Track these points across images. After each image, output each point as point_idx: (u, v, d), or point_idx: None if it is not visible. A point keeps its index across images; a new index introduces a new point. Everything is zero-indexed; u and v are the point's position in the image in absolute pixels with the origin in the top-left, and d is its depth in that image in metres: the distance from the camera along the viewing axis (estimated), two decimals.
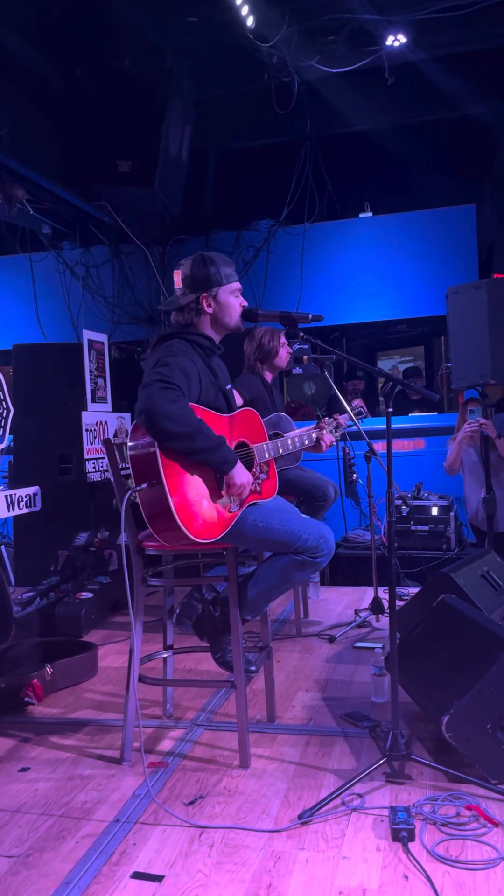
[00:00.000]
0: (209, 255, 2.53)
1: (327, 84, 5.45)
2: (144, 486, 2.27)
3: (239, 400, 3.61)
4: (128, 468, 2.35)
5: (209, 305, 2.50)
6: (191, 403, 2.32)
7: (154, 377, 2.24)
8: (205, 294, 2.49)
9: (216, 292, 2.49)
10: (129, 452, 2.33)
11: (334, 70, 5.14)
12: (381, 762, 2.27)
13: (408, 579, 5.07)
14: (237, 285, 2.54)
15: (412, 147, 6.07)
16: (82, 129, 5.14)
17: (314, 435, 3.16)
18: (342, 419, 3.48)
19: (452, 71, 5.44)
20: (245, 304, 2.56)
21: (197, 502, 2.31)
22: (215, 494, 2.38)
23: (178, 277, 2.55)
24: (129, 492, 2.31)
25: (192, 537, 2.26)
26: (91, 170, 5.15)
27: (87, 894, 1.80)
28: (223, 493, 2.39)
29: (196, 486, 2.32)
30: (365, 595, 4.64)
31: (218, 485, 2.38)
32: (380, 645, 3.61)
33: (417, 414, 6.45)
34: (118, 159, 5.01)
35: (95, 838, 2.03)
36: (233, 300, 2.52)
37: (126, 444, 2.37)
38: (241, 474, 2.37)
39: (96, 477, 5.09)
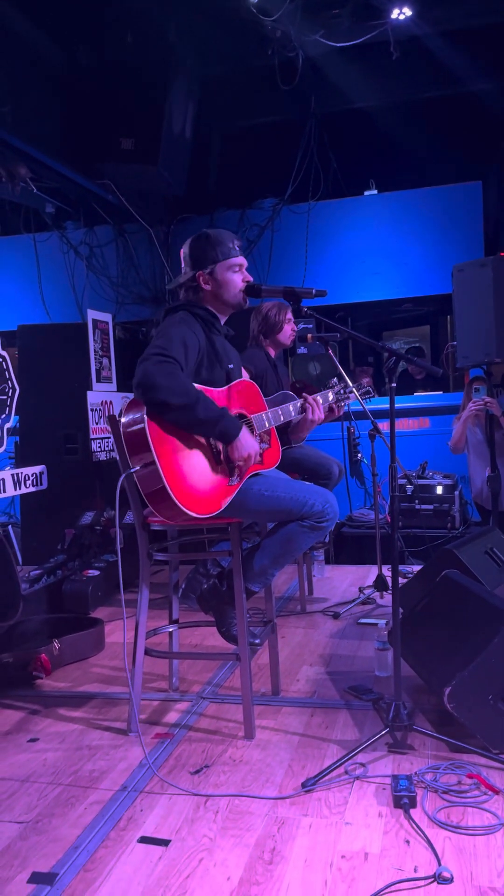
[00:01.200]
0: (209, 232, 2.55)
1: (332, 60, 5.39)
2: (138, 467, 2.28)
3: (245, 375, 3.62)
4: None
5: (206, 283, 2.52)
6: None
7: (152, 351, 2.27)
8: (201, 272, 2.51)
9: (212, 269, 2.50)
10: (122, 430, 2.34)
11: (339, 44, 5.07)
12: (383, 732, 2.30)
13: (412, 558, 5.10)
14: (238, 261, 2.53)
15: (417, 124, 6.00)
16: (85, 107, 5.10)
17: (299, 403, 3.10)
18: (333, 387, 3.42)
19: (458, 46, 5.36)
20: (249, 279, 2.56)
21: (192, 477, 2.32)
22: (214, 467, 2.39)
23: (182, 256, 2.58)
24: (123, 475, 2.33)
25: (191, 513, 2.28)
26: (94, 147, 5.12)
27: (95, 858, 1.84)
28: (224, 464, 2.41)
29: (191, 461, 2.33)
30: (369, 573, 4.67)
31: (215, 458, 2.40)
32: (384, 621, 3.65)
33: (422, 393, 6.45)
34: (121, 137, 4.98)
35: (103, 805, 2.08)
36: (231, 276, 2.52)
37: (119, 421, 2.38)
38: (244, 445, 2.37)
39: (102, 456, 5.11)
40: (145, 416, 2.25)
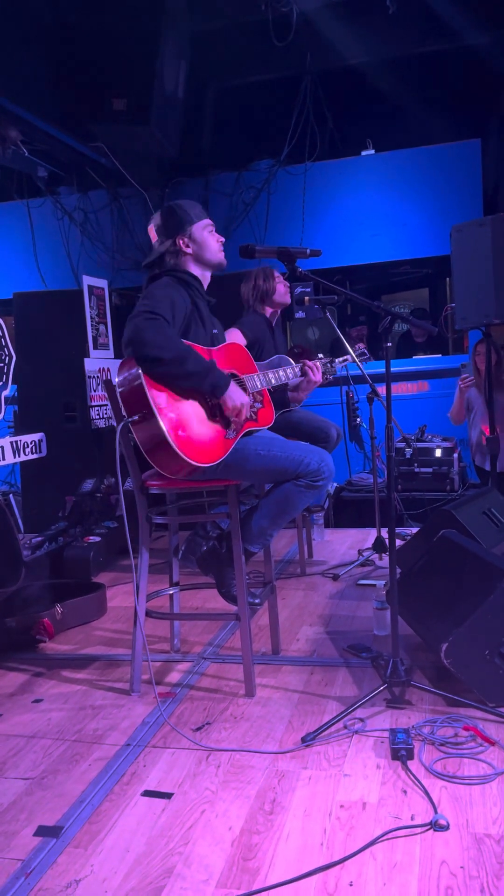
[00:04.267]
0: (175, 202, 2.63)
1: (326, 14, 5.26)
2: (136, 417, 2.30)
3: (242, 340, 3.62)
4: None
5: (187, 245, 2.58)
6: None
7: (140, 308, 2.31)
8: (180, 236, 2.56)
9: (190, 231, 2.57)
10: (118, 389, 2.36)
11: None
12: (382, 688, 2.34)
13: (411, 520, 5.13)
14: (207, 221, 2.62)
15: (415, 81, 5.88)
16: (75, 67, 4.99)
17: (300, 367, 3.25)
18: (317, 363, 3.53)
19: None
20: (222, 239, 2.64)
21: (191, 426, 2.35)
22: (211, 419, 2.42)
23: (152, 232, 2.68)
24: (123, 422, 2.34)
25: (192, 461, 2.30)
26: (85, 108, 5.03)
27: (99, 811, 1.88)
28: (218, 417, 2.43)
29: (189, 411, 2.36)
30: (368, 536, 4.70)
31: (209, 411, 2.43)
32: (382, 581, 3.68)
33: (422, 356, 6.42)
34: (113, 97, 4.89)
35: (107, 761, 2.12)
36: (207, 235, 2.59)
37: (115, 382, 2.41)
38: (236, 395, 2.42)
39: (101, 423, 5.11)
40: (140, 371, 2.27)
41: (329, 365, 3.56)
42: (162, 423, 2.26)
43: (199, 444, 2.35)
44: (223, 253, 2.63)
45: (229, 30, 5.49)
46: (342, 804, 1.86)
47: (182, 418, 2.33)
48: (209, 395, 2.40)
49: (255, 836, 1.75)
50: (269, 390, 2.78)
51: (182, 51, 5.34)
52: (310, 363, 3.27)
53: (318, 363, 3.36)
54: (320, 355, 3.66)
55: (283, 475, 2.51)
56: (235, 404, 2.41)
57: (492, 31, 5.60)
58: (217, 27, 5.49)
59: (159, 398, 2.29)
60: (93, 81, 4.96)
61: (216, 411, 2.45)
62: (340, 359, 3.78)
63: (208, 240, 2.59)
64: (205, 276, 2.64)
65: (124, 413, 2.35)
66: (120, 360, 5.42)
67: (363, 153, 6.37)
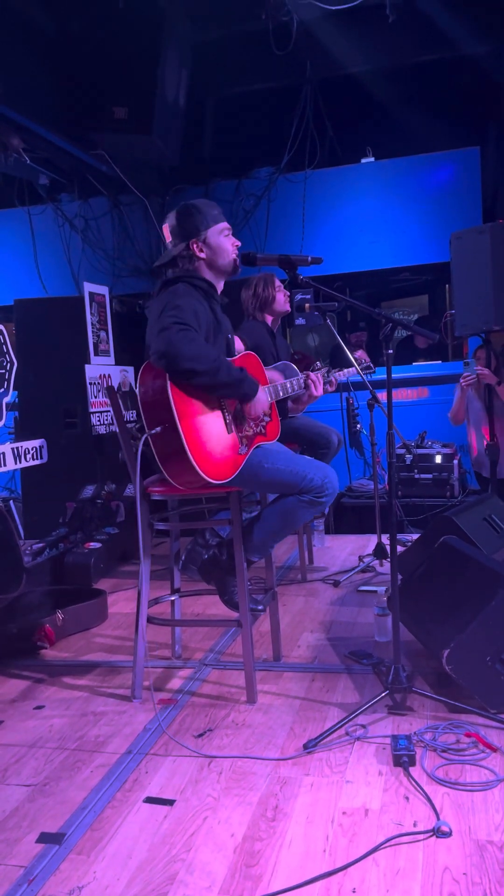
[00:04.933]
0: (192, 202, 2.56)
1: (326, 23, 5.28)
2: (159, 429, 2.30)
3: (241, 346, 3.62)
4: (133, 418, 2.39)
5: (201, 250, 2.53)
6: None
7: (170, 320, 2.27)
8: (194, 240, 2.51)
9: (205, 236, 2.52)
10: (139, 398, 2.36)
11: (333, 7, 4.97)
12: (383, 695, 2.34)
13: (412, 527, 5.13)
14: (224, 225, 2.56)
15: (414, 89, 5.91)
16: (77, 75, 5.01)
17: (302, 379, 3.23)
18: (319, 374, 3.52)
19: (454, 8, 5.25)
20: (238, 243, 2.59)
21: (210, 442, 2.36)
22: (227, 436, 2.43)
23: (166, 231, 2.59)
24: (145, 435, 2.34)
25: (207, 478, 2.31)
26: (87, 117, 5.05)
27: (102, 817, 1.88)
28: (234, 432, 2.43)
29: (208, 428, 2.37)
30: (369, 542, 4.70)
31: (227, 426, 2.43)
32: (383, 587, 3.68)
33: (422, 363, 6.43)
34: (114, 105, 4.90)
35: (109, 768, 2.12)
36: (223, 240, 2.54)
37: (136, 389, 2.40)
38: (262, 402, 2.48)
39: (101, 430, 5.12)
40: (168, 381, 2.27)
41: (327, 374, 3.53)
42: (183, 437, 2.27)
43: (215, 460, 2.36)
44: (238, 258, 2.56)
45: (230, 39, 5.52)
46: (344, 811, 1.86)
47: (202, 433, 2.34)
48: (241, 400, 2.43)
49: (258, 843, 1.75)
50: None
51: (183, 59, 5.37)
52: (313, 377, 3.25)
53: (319, 375, 3.34)
54: (317, 363, 3.62)
55: (287, 489, 2.51)
56: (258, 412, 2.49)
57: (490, 40, 5.63)
58: (218, 36, 5.52)
59: (183, 411, 2.30)
60: (94, 90, 4.99)
61: (232, 426, 2.46)
62: (343, 371, 3.72)
63: (223, 245, 2.53)
64: (219, 283, 2.60)
65: (144, 422, 2.35)
66: (119, 367, 5.44)
67: (363, 161, 6.40)
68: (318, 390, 3.30)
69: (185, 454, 2.27)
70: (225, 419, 2.44)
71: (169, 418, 2.27)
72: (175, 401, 2.28)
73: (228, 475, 2.40)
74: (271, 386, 2.73)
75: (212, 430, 2.39)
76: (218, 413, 2.43)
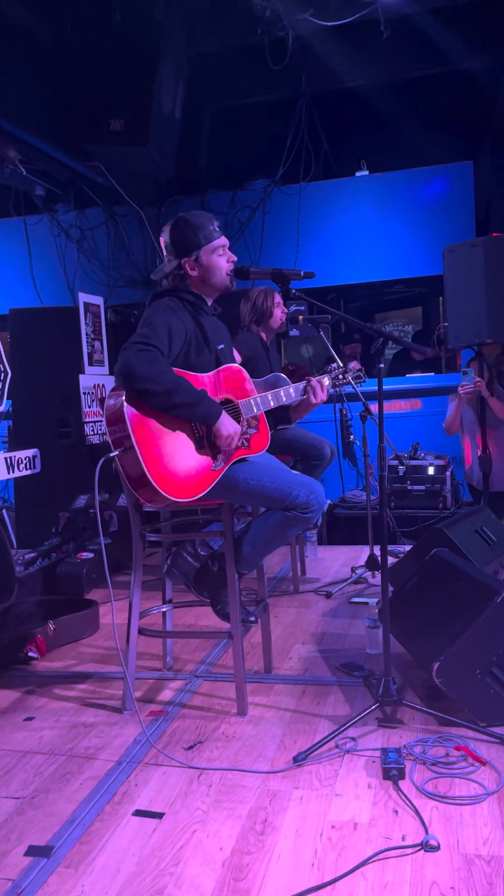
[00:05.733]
0: (187, 216, 2.52)
1: (322, 39, 5.34)
2: (117, 452, 2.31)
3: (238, 358, 3.61)
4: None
5: (193, 269, 2.51)
6: (173, 367, 2.36)
7: (134, 339, 2.30)
8: (186, 259, 2.50)
9: (197, 255, 2.49)
10: (104, 415, 2.37)
11: (328, 23, 5.04)
12: (373, 707, 2.34)
13: (404, 538, 5.15)
14: (220, 242, 2.52)
15: (409, 103, 5.97)
16: (73, 87, 5.05)
17: (301, 385, 3.11)
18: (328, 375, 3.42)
19: (448, 24, 5.33)
20: (234, 259, 2.55)
21: (173, 461, 2.33)
22: (197, 451, 2.41)
23: (162, 245, 2.57)
24: (103, 458, 2.35)
25: (172, 498, 2.30)
26: (83, 129, 5.09)
27: (90, 831, 1.88)
28: (208, 448, 2.43)
29: (173, 445, 2.35)
30: (361, 553, 4.71)
31: (198, 442, 2.41)
32: (375, 599, 3.69)
33: (416, 375, 6.47)
34: (110, 118, 4.94)
35: (98, 780, 2.12)
36: (216, 259, 2.51)
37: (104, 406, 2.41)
38: (226, 426, 2.39)
39: (95, 440, 5.13)
40: (124, 401, 2.27)
41: (341, 377, 3.28)
42: (141, 459, 2.26)
43: (180, 478, 2.34)
44: (231, 277, 2.53)
45: (226, 53, 5.58)
46: (333, 824, 1.86)
47: (164, 453, 2.32)
48: (202, 423, 2.39)
49: (247, 857, 1.75)
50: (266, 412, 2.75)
51: (179, 73, 5.41)
52: (314, 382, 3.03)
53: (324, 379, 3.12)
54: (334, 365, 3.38)
55: (272, 504, 2.50)
56: (228, 433, 2.39)
57: (484, 56, 5.71)
58: (214, 50, 5.57)
59: (141, 432, 2.28)
60: (91, 102, 5.03)
61: (205, 441, 2.43)
62: (346, 369, 3.57)
63: (216, 264, 2.50)
64: (211, 297, 2.59)
65: (110, 441, 2.35)
66: (114, 377, 5.45)
67: (357, 174, 6.46)
68: (318, 397, 3.08)
69: (146, 477, 2.26)
70: (195, 434, 2.41)
71: (126, 438, 2.27)
72: (133, 420, 2.27)
73: (196, 493, 2.37)
74: (259, 397, 2.71)
75: (176, 448, 2.35)
76: (187, 429, 2.39)
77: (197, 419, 2.37)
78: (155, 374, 2.25)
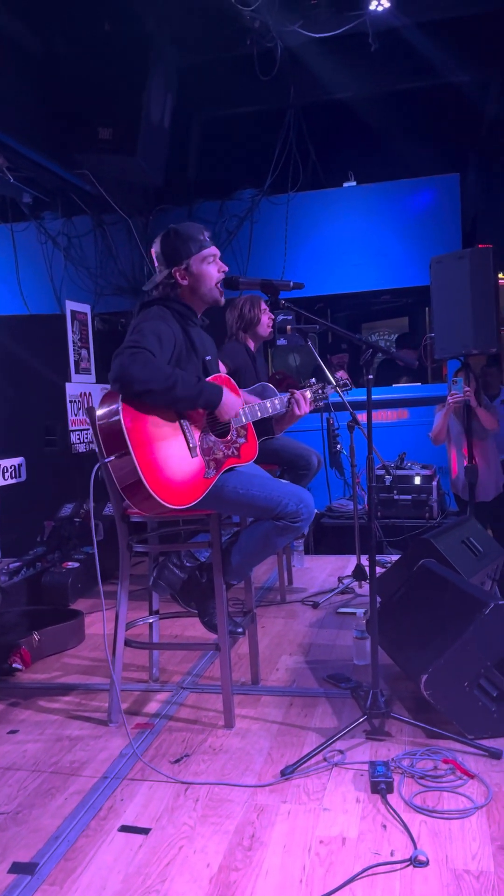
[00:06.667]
0: (177, 227, 2.54)
1: (310, 50, 5.37)
2: (113, 457, 2.29)
3: (223, 369, 3.61)
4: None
5: (183, 278, 2.52)
6: None
7: (125, 345, 2.30)
8: (176, 268, 2.51)
9: (187, 264, 2.51)
10: (97, 423, 2.35)
11: (317, 35, 5.07)
12: (361, 720, 2.33)
13: (391, 548, 5.15)
14: (210, 251, 2.53)
15: (396, 115, 6.01)
16: (62, 96, 5.05)
17: (286, 397, 3.15)
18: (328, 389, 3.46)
19: (436, 38, 5.38)
20: (225, 268, 2.57)
21: (169, 467, 2.33)
22: (190, 460, 2.40)
23: (153, 255, 2.59)
24: (98, 464, 2.34)
25: (167, 504, 2.29)
26: (71, 137, 5.08)
27: (75, 847, 1.85)
28: (199, 455, 2.42)
29: (166, 453, 2.34)
30: (348, 563, 4.71)
31: (191, 451, 2.41)
32: (362, 610, 3.68)
33: (402, 385, 6.49)
34: (99, 126, 4.94)
35: (84, 795, 2.09)
36: (206, 268, 2.52)
37: (95, 414, 2.39)
38: (231, 404, 2.47)
39: (81, 448, 5.10)
40: (120, 408, 2.27)
41: (321, 391, 3.38)
42: (137, 464, 2.25)
43: (175, 485, 2.33)
44: (221, 290, 2.55)
45: (216, 63, 5.59)
46: (321, 839, 1.84)
47: (159, 459, 2.31)
48: (206, 410, 2.44)
49: (234, 874, 1.73)
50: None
51: (169, 82, 5.42)
52: (297, 395, 3.14)
53: (307, 392, 3.23)
54: (312, 380, 3.46)
55: (262, 514, 2.50)
56: (230, 414, 2.48)
57: (471, 70, 5.77)
58: (203, 60, 5.59)
59: (137, 438, 2.27)
60: (79, 111, 5.02)
61: (198, 450, 2.43)
62: (334, 379, 3.63)
63: (206, 273, 2.51)
64: (201, 308, 2.60)
65: (102, 449, 2.34)
66: (101, 385, 5.43)
67: (345, 185, 6.49)
68: (301, 409, 3.19)
69: (140, 480, 2.25)
70: (188, 443, 2.41)
71: (123, 444, 2.26)
72: (128, 427, 2.26)
73: (191, 500, 2.37)
74: (248, 407, 2.72)
75: (170, 454, 2.35)
76: (179, 437, 2.39)
77: (202, 407, 2.42)
78: (152, 374, 2.26)
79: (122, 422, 2.25)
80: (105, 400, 2.36)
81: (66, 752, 2.36)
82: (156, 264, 2.57)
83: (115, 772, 2.21)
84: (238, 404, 2.53)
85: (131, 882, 1.71)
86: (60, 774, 2.21)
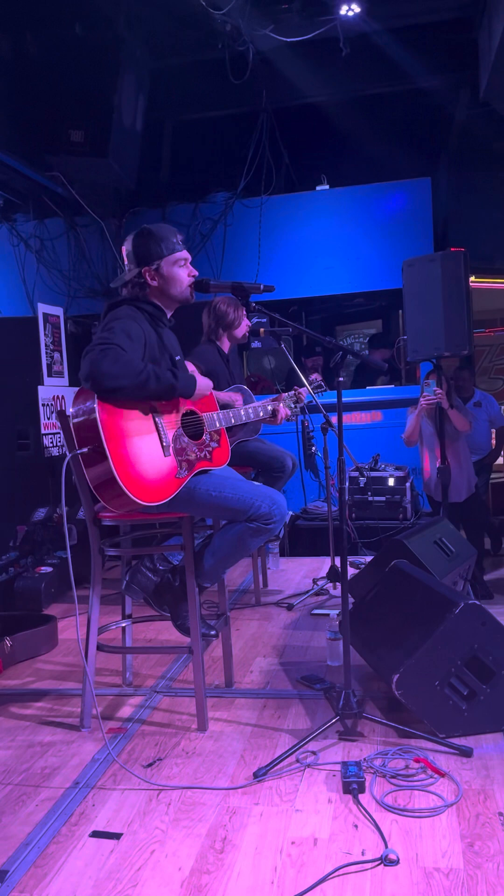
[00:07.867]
0: (150, 227, 2.54)
1: (282, 54, 5.40)
2: (85, 449, 2.29)
3: (192, 370, 3.61)
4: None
5: (153, 279, 2.52)
6: None
7: (95, 342, 2.30)
8: (146, 268, 2.51)
9: (158, 265, 2.50)
10: (71, 420, 2.35)
11: (288, 39, 5.10)
12: (334, 721, 2.34)
13: (365, 549, 5.18)
14: (182, 255, 2.53)
15: (368, 119, 6.06)
16: (33, 98, 5.02)
17: (269, 407, 3.18)
18: (303, 391, 3.50)
19: (407, 43, 5.44)
20: (195, 273, 2.57)
21: (141, 464, 2.33)
22: (163, 459, 2.40)
23: (124, 253, 2.57)
24: (69, 455, 2.33)
25: (137, 500, 2.28)
26: (43, 139, 5.05)
27: (45, 854, 1.84)
28: (172, 455, 2.43)
29: (140, 450, 2.34)
30: (323, 565, 4.72)
31: (164, 450, 2.41)
32: (336, 611, 3.69)
33: (377, 387, 6.53)
34: (70, 129, 4.92)
35: (55, 801, 2.07)
36: (177, 271, 2.52)
37: (69, 413, 2.38)
38: (205, 387, 2.55)
39: (54, 452, 5.06)
40: (96, 401, 2.26)
41: (294, 406, 3.42)
42: (110, 460, 2.24)
43: (148, 482, 2.33)
44: (191, 290, 2.56)
45: (188, 66, 5.60)
46: (293, 840, 1.85)
47: (132, 455, 2.31)
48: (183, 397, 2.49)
49: (206, 877, 1.72)
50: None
51: (140, 85, 5.41)
52: (281, 413, 3.22)
53: (287, 412, 3.29)
54: (293, 391, 3.49)
55: (234, 516, 2.50)
56: (204, 394, 2.56)
57: (441, 75, 5.84)
58: (175, 64, 5.60)
59: (111, 432, 2.27)
60: (51, 113, 4.99)
61: (171, 449, 2.43)
62: (311, 387, 3.66)
63: (177, 276, 2.51)
64: (169, 309, 2.61)
65: (75, 444, 2.33)
66: (74, 388, 5.40)
67: (318, 188, 6.52)
68: (276, 421, 3.25)
69: (114, 480, 2.25)
70: (162, 441, 2.42)
71: (96, 438, 2.26)
72: (103, 420, 2.26)
73: (161, 498, 2.37)
74: (221, 413, 2.72)
75: (143, 451, 2.35)
76: (153, 435, 2.40)
77: (179, 397, 2.47)
78: (122, 370, 2.25)
79: (97, 415, 2.25)
80: (79, 396, 2.35)
81: (37, 758, 2.34)
82: (125, 262, 2.56)
83: (87, 777, 2.20)
84: (209, 386, 2.58)
85: (102, 887, 1.70)
86: (31, 782, 2.19)
